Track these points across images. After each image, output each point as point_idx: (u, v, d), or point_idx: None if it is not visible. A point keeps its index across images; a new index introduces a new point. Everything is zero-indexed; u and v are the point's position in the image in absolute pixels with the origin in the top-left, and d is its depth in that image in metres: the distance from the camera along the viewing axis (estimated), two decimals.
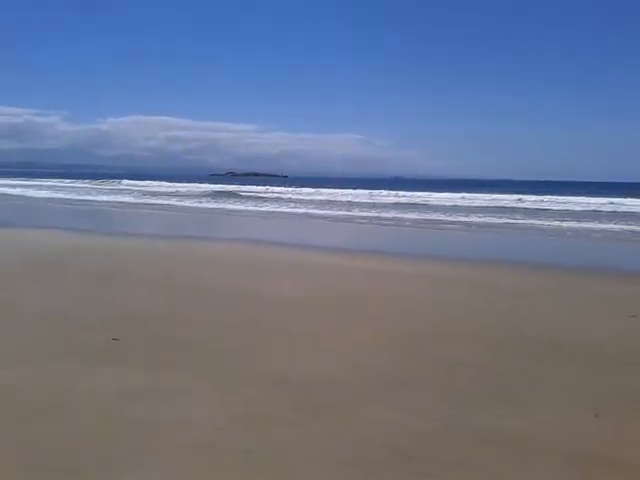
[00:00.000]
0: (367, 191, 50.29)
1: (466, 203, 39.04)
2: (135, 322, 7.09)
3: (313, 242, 17.93)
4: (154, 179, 72.89)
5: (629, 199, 39.48)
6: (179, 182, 66.28)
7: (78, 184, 64.58)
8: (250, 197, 44.82)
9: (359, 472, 3.69)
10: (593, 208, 35.21)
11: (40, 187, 54.37)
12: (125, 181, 69.76)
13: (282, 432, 4.19)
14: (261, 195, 46.07)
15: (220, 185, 63.36)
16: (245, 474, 3.62)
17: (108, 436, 4.05)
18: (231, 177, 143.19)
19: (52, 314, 7.41)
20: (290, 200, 41.34)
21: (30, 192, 45.67)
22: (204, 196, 46.16)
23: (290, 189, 53.47)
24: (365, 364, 5.81)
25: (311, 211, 32.20)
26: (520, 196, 43.27)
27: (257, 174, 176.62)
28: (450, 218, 28.18)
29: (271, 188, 55.08)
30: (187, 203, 37.48)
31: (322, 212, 31.54)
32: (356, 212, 31.69)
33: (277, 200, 41.58)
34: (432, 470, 3.73)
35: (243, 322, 7.31)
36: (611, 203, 37.63)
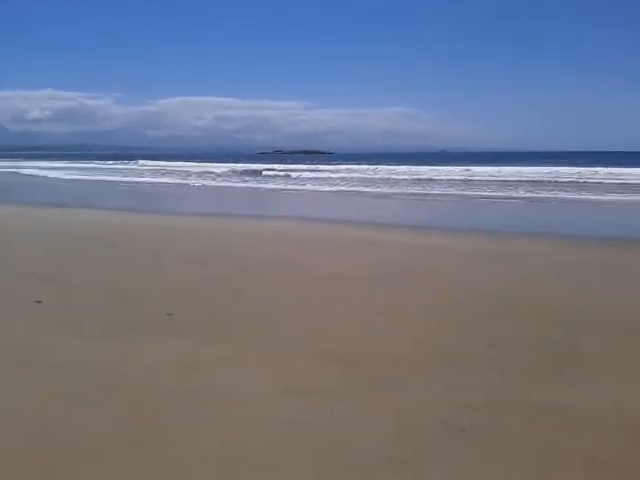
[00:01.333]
0: (409, 167, 47.89)
1: (506, 177, 36.32)
2: (188, 297, 7.20)
3: (338, 217, 17.17)
4: (202, 159, 73.72)
5: None
6: (219, 162, 64.87)
7: (91, 164, 69.12)
8: (279, 177, 42.76)
9: (411, 443, 3.68)
10: None
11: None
12: (141, 161, 73.48)
13: (331, 404, 4.22)
14: (289, 174, 43.54)
15: (256, 164, 61.07)
16: (290, 443, 3.66)
17: (167, 404, 4.19)
18: (279, 155, 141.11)
19: (106, 289, 7.59)
20: (325, 179, 39.20)
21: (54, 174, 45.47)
22: (230, 175, 45.04)
23: (331, 167, 51.37)
24: (416, 338, 5.75)
25: (342, 188, 31.45)
26: (577, 169, 39.81)
27: (306, 152, 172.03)
28: (496, 193, 26.86)
29: (300, 166, 52.84)
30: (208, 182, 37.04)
31: (357, 189, 30.72)
32: (393, 189, 30.63)
33: (303, 179, 39.28)
34: (486, 443, 3.71)
35: (294, 297, 7.37)
36: None
